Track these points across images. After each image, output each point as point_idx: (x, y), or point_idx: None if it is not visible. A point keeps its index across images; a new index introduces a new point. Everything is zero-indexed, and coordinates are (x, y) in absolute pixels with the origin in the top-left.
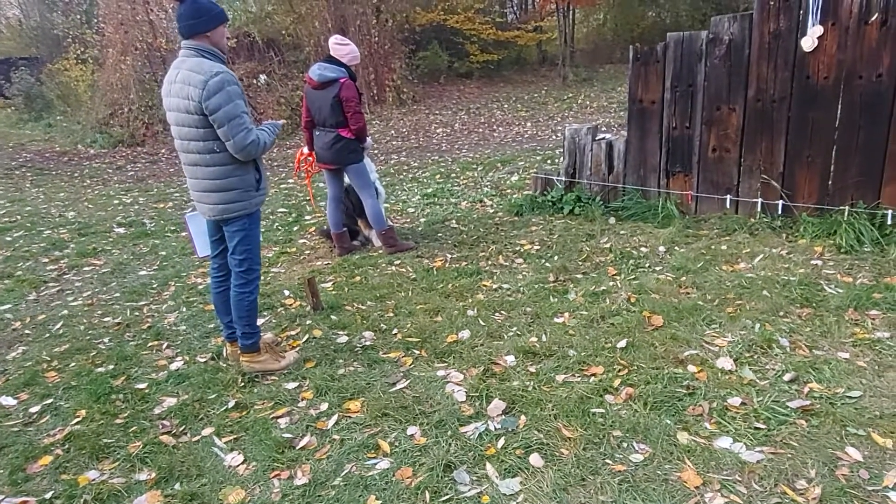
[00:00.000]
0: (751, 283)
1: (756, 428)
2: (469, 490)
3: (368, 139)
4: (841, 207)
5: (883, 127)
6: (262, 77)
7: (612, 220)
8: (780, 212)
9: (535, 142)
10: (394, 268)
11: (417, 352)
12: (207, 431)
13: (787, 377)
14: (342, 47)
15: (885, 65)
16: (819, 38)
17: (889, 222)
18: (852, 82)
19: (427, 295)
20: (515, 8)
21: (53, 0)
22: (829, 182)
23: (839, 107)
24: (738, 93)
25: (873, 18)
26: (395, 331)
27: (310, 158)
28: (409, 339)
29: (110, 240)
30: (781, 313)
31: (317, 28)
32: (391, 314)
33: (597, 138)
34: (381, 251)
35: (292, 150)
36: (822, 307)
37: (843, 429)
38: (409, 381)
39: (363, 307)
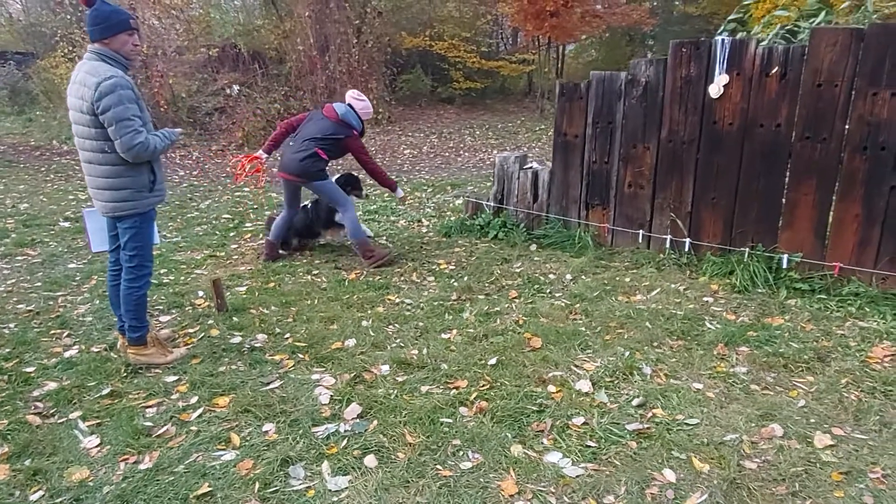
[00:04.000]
0: (638, 314)
1: (587, 446)
2: (300, 484)
3: (399, 191)
4: (742, 249)
5: (781, 175)
6: (235, 87)
7: (533, 247)
8: (686, 249)
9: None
10: (310, 277)
11: (301, 356)
12: (75, 415)
13: (635, 402)
14: (359, 102)
15: (784, 115)
16: (725, 86)
17: (784, 266)
18: (754, 130)
19: (331, 304)
20: (508, 38)
21: None
22: (732, 224)
23: (742, 153)
24: (653, 132)
25: (773, 71)
26: (287, 335)
27: (256, 163)
28: (298, 344)
29: (52, 232)
30: (655, 343)
31: (298, 44)
32: (290, 320)
33: (524, 167)
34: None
35: None
36: (696, 341)
37: (668, 452)
38: (282, 383)
39: (266, 311)
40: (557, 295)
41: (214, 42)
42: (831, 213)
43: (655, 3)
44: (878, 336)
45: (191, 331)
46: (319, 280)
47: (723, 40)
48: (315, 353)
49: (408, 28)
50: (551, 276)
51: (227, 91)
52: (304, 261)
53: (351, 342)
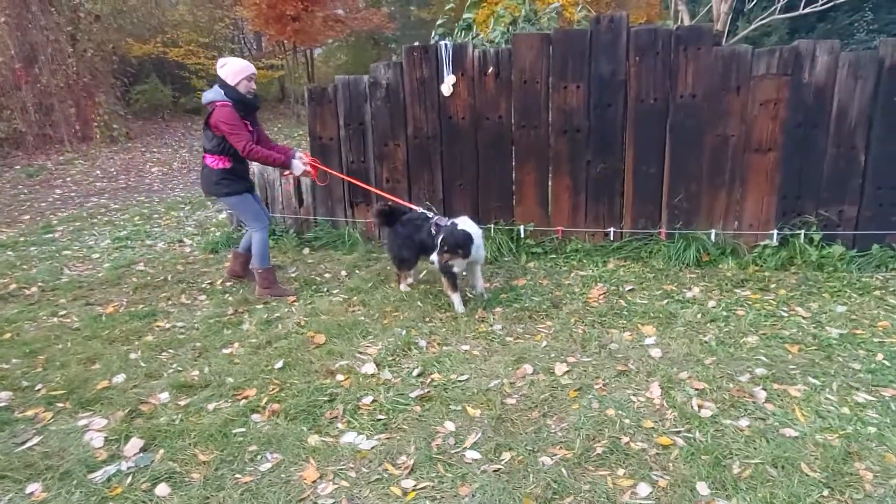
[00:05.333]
0: (409, 296)
1: (378, 420)
2: None
3: (295, 160)
4: (489, 225)
5: (508, 159)
6: None
7: (305, 251)
8: None
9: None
10: (57, 319)
11: (61, 405)
12: None
13: (416, 372)
14: (220, 69)
15: (503, 108)
16: (454, 85)
17: (522, 235)
18: (482, 123)
19: (88, 343)
20: (252, 43)
21: None
22: (478, 205)
23: (476, 143)
24: (400, 130)
25: (489, 71)
26: (39, 386)
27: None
28: (54, 393)
29: None
30: (427, 319)
31: (6, 51)
32: (40, 369)
33: (284, 173)
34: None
35: None
36: None
37: (447, 407)
38: (42, 437)
39: (6, 366)
40: (335, 291)
41: None
42: (549, 186)
43: (393, 9)
44: (593, 280)
45: None
46: (69, 321)
47: (446, 44)
48: (78, 398)
49: (135, 34)
50: (327, 275)
51: None
52: (46, 302)
53: (120, 378)
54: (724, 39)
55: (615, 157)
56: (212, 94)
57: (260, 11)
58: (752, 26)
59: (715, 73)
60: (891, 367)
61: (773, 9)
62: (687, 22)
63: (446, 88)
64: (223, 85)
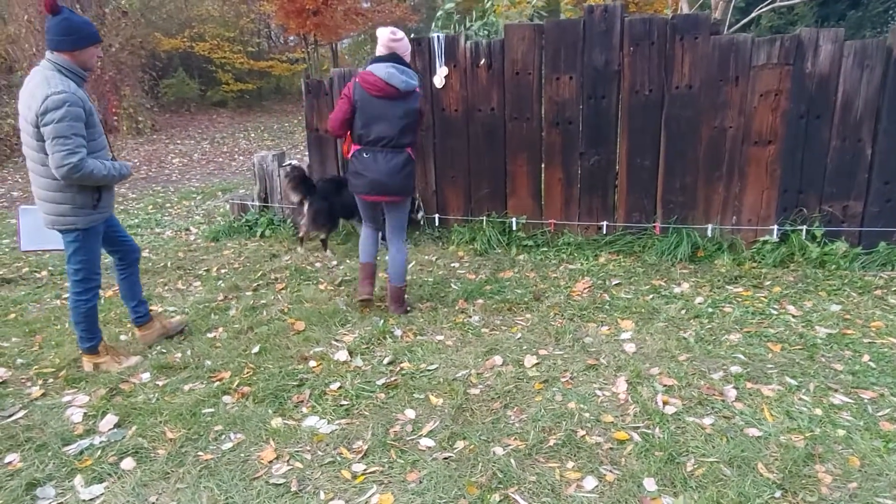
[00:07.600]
0: None
1: (341, 405)
2: (49, 503)
3: None
4: (480, 218)
5: (501, 151)
6: None
7: None
8: (437, 224)
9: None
10: (59, 301)
11: (52, 381)
12: None
13: (386, 360)
14: (401, 43)
15: (495, 100)
16: (446, 77)
17: (514, 228)
18: (474, 114)
19: None
20: (279, 37)
21: None
22: (470, 197)
23: (468, 135)
24: None
25: (481, 63)
26: (33, 364)
27: None
28: (46, 370)
29: None
30: (407, 309)
31: (28, 49)
32: (36, 348)
33: (283, 164)
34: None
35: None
36: (441, 301)
37: (411, 395)
38: (27, 412)
39: (5, 345)
40: (324, 281)
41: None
42: (542, 179)
43: (417, 1)
44: (581, 274)
45: None
46: None
47: (438, 37)
48: (66, 375)
49: (163, 28)
50: (318, 264)
51: None
52: (52, 285)
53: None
54: (741, 30)
55: (609, 149)
56: (413, 80)
57: (281, 5)
58: (754, 13)
59: (712, 63)
60: (875, 369)
61: None
62: (686, 11)
63: (438, 80)
64: (407, 64)
